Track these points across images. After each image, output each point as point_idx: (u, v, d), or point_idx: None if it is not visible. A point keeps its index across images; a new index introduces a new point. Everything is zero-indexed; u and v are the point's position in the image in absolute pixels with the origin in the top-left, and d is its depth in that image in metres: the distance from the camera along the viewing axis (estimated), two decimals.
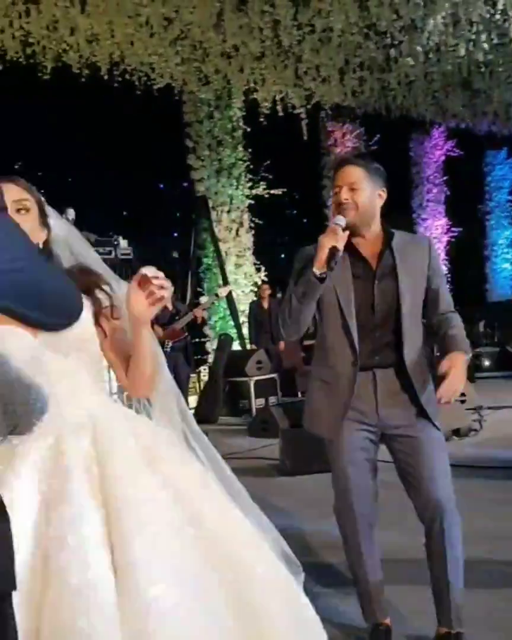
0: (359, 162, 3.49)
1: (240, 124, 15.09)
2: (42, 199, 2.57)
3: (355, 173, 3.44)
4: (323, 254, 3.26)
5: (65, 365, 2.46)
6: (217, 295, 10.92)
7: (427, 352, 3.61)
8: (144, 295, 2.31)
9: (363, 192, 3.43)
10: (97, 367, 2.58)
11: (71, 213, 11.06)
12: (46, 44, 9.87)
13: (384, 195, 3.50)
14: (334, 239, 3.28)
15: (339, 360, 3.53)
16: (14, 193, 2.46)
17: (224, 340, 12.56)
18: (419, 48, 10.10)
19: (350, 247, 3.48)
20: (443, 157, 20.24)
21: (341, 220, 3.35)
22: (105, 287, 2.57)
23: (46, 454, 2.37)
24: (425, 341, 3.60)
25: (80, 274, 2.57)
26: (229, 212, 14.91)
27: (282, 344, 13.18)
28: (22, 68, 10.09)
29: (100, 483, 2.33)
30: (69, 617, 2.10)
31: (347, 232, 3.36)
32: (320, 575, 4.71)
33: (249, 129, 15.15)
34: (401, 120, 15.84)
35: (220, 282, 13.98)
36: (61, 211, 12.55)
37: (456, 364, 3.34)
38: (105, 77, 10.47)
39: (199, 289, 14.22)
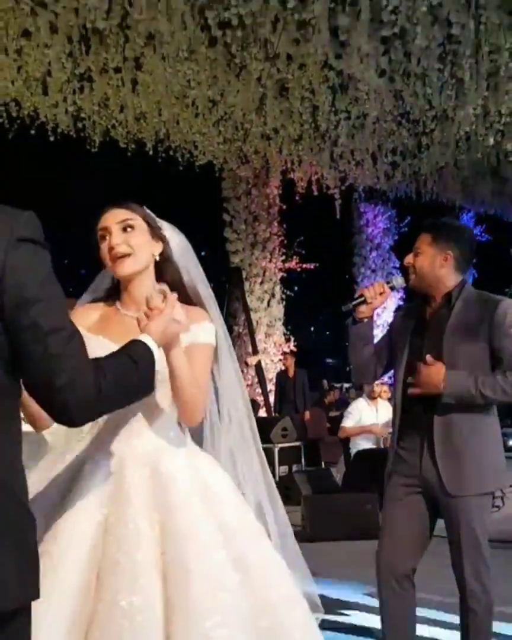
0: (429, 228, 3.66)
1: (277, 201, 15.50)
2: (149, 213, 2.71)
3: (421, 238, 3.62)
4: (355, 297, 3.58)
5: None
6: (246, 363, 11.10)
7: (482, 418, 3.55)
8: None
9: (424, 256, 3.58)
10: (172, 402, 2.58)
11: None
12: (96, 120, 10.24)
13: (452, 257, 3.56)
14: (365, 289, 3.60)
15: (395, 414, 3.68)
16: (118, 215, 2.61)
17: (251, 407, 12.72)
18: (449, 136, 10.42)
19: (420, 308, 3.68)
20: None
21: (395, 280, 3.67)
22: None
23: (110, 478, 2.46)
24: (481, 407, 3.52)
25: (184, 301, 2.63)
26: (261, 283, 15.18)
27: (307, 414, 13.32)
28: (72, 141, 10.49)
29: (158, 514, 2.39)
30: (115, 637, 2.19)
31: (390, 289, 3.62)
32: None
33: (284, 206, 15.55)
34: (431, 204, 16.11)
35: (250, 350, 14.20)
36: None
37: (432, 370, 3.41)
38: (150, 152, 10.82)
39: None
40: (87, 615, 2.25)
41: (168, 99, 9.63)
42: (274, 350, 15.21)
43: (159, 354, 2.16)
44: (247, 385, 14.58)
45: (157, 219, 2.74)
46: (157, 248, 2.68)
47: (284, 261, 15.66)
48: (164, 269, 2.71)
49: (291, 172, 13.21)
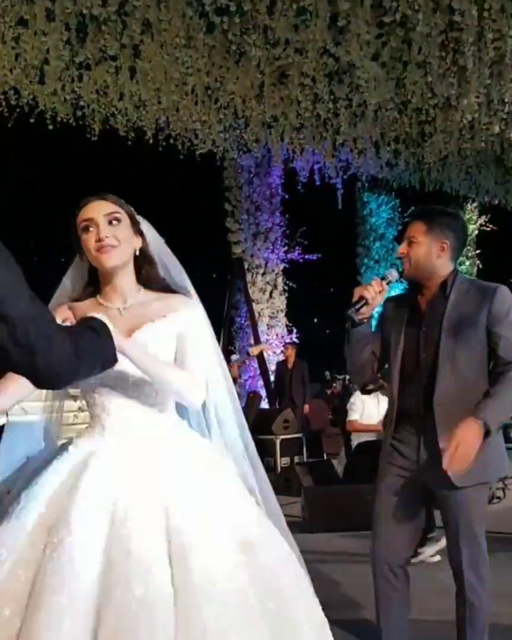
0: (421, 216, 3.63)
1: (279, 191, 15.48)
2: (131, 209, 2.78)
3: (414, 227, 3.57)
4: (353, 300, 3.45)
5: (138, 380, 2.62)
6: (248, 353, 11.09)
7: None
8: None
9: (419, 245, 3.53)
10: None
11: None
12: (96, 108, 10.16)
13: (448, 245, 3.53)
14: (363, 288, 3.46)
15: (391, 404, 3.64)
16: (105, 207, 2.67)
17: (253, 399, 12.71)
18: (452, 125, 10.33)
19: (413, 297, 3.65)
20: (476, 231, 20.45)
21: (390, 274, 3.55)
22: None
23: (114, 467, 2.51)
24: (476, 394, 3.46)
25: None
26: (263, 274, 15.19)
27: (306, 407, 13.29)
28: (71, 129, 10.43)
29: (162, 504, 2.43)
30: (131, 626, 2.19)
31: (387, 285, 3.50)
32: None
33: (286, 196, 15.51)
34: (435, 194, 16.02)
35: (252, 341, 14.20)
36: None
37: (456, 434, 3.27)
38: (150, 141, 10.74)
39: (230, 348, 14.45)
40: (97, 600, 2.26)
41: (167, 86, 9.54)
42: (277, 342, 15.17)
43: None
44: (250, 376, 14.58)
45: (135, 213, 2.81)
46: (138, 242, 2.77)
47: (286, 252, 15.62)
48: (142, 263, 2.79)
49: (293, 161, 13.13)
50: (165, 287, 2.81)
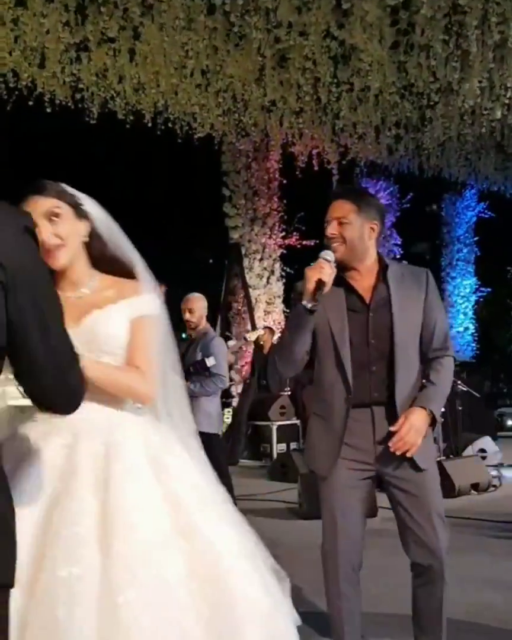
0: (349, 196, 3.45)
1: (277, 175, 15.40)
2: (70, 192, 2.70)
3: (344, 207, 3.40)
4: (310, 286, 3.23)
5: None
6: (246, 339, 11.05)
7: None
8: None
9: (351, 226, 3.37)
10: None
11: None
12: (94, 91, 10.12)
13: (377, 228, 3.44)
14: (319, 271, 3.23)
15: (335, 396, 3.43)
16: (42, 205, 2.61)
17: (249, 384, 12.68)
18: (454, 110, 10.29)
19: (344, 281, 3.45)
20: (475, 218, 20.39)
21: (329, 255, 3.30)
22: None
23: (61, 452, 2.50)
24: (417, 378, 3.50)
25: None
26: (261, 260, 15.12)
27: (298, 392, 13.24)
28: (70, 112, 10.36)
29: (103, 484, 2.42)
30: (50, 606, 2.20)
31: (334, 266, 3.29)
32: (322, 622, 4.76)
33: (285, 181, 15.43)
34: (434, 180, 15.97)
35: (249, 327, 14.16)
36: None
37: (408, 418, 3.31)
38: (149, 124, 10.69)
39: (227, 333, 14.40)
40: (29, 585, 2.26)
41: (167, 69, 9.49)
42: (275, 328, 15.08)
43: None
44: (246, 362, 14.53)
45: (76, 194, 2.73)
46: (85, 227, 2.71)
47: (284, 237, 15.55)
48: (92, 245, 2.74)
49: (292, 145, 13.05)
50: (118, 269, 2.76)
